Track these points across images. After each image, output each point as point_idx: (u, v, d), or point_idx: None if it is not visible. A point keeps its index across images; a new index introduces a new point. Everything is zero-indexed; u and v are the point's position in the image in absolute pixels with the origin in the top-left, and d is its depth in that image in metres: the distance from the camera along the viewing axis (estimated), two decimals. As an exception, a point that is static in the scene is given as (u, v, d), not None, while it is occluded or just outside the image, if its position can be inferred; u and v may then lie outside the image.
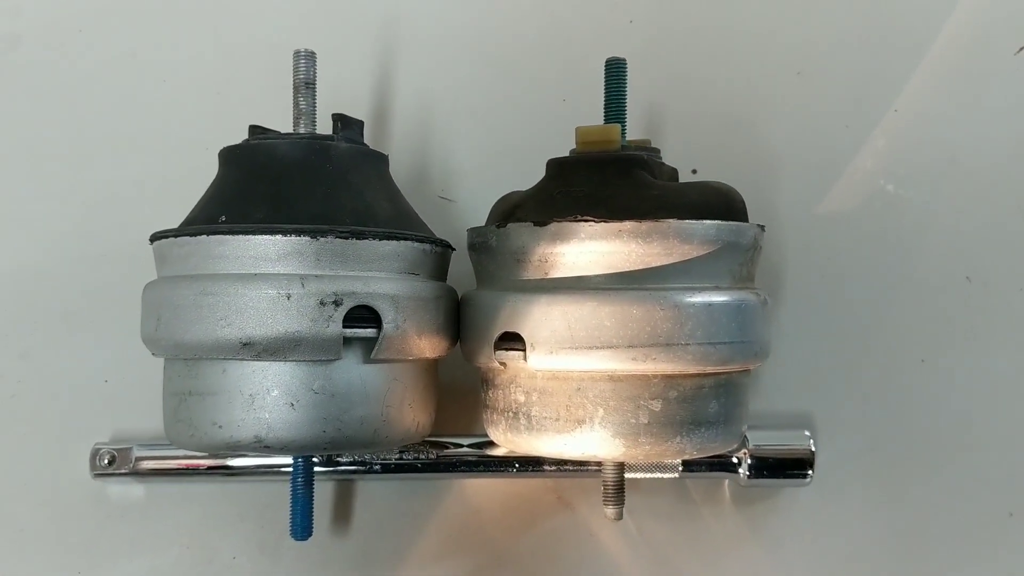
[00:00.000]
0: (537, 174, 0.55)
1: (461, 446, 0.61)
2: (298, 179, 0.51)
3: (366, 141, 0.57)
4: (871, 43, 0.67)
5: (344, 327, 0.47)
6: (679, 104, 0.67)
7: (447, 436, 0.61)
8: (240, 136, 0.55)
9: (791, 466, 0.60)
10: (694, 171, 0.65)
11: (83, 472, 0.62)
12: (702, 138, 0.66)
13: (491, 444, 0.58)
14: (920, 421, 0.63)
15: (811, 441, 0.60)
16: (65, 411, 0.65)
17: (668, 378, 0.48)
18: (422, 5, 0.68)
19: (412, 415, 0.52)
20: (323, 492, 0.63)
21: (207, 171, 0.55)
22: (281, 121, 0.56)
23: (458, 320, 0.54)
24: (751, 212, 0.53)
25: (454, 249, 0.56)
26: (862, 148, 0.66)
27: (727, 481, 0.63)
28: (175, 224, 0.53)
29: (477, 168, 0.67)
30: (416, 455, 0.61)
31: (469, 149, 0.67)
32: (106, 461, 0.61)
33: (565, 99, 0.67)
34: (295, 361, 0.48)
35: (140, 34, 0.69)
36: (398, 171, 0.60)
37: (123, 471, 0.61)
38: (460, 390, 0.61)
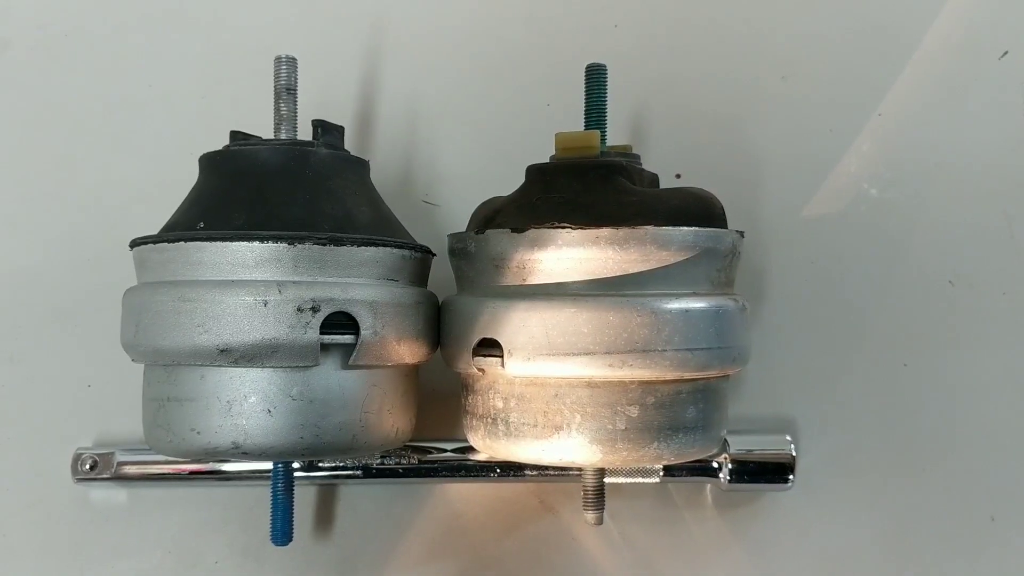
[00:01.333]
0: (522, 178, 0.55)
1: (444, 451, 0.61)
2: (278, 185, 0.51)
3: (350, 145, 0.57)
4: (856, 48, 0.67)
5: (322, 333, 0.48)
6: (664, 108, 0.67)
7: (430, 441, 0.61)
8: (227, 141, 0.55)
9: (772, 471, 0.60)
10: (678, 175, 0.65)
11: (66, 477, 0.62)
12: (688, 142, 0.66)
13: (473, 449, 0.58)
14: (902, 425, 0.63)
15: (792, 446, 0.60)
16: (48, 416, 0.65)
17: (645, 384, 0.48)
18: (407, 10, 0.68)
19: (391, 421, 0.52)
20: (305, 497, 0.63)
21: (193, 176, 0.55)
22: (269, 126, 0.56)
23: (439, 325, 0.54)
24: (736, 216, 0.53)
25: (434, 255, 0.56)
26: (847, 152, 0.66)
27: (708, 485, 0.63)
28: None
29: (461, 172, 0.67)
30: (398, 460, 0.61)
31: (453, 153, 0.67)
32: (88, 466, 0.61)
33: (550, 103, 0.67)
34: (273, 367, 0.48)
35: (126, 39, 0.69)
36: (382, 175, 0.60)
37: (105, 476, 0.61)
38: (443, 394, 0.61)
